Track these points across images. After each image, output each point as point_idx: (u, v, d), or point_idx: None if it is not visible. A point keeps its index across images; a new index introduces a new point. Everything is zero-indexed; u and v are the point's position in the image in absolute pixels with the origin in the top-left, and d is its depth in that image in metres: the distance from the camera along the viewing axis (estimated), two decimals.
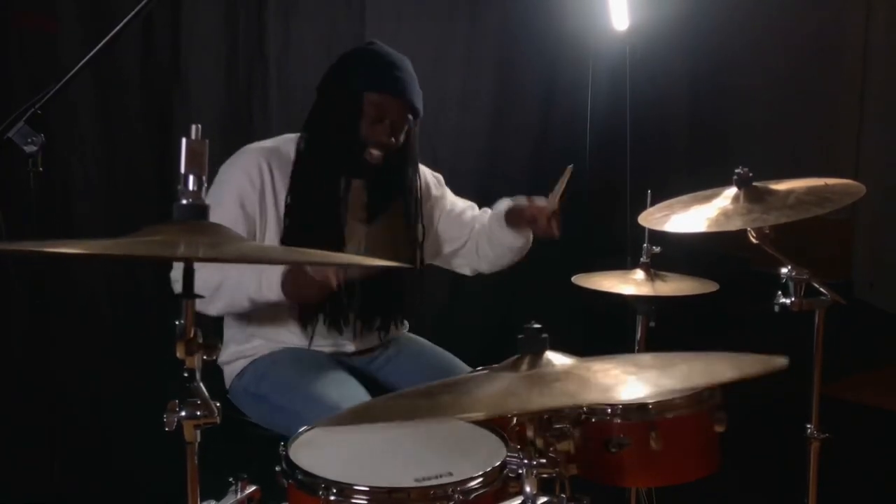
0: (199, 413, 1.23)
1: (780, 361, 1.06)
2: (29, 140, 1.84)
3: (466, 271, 2.50)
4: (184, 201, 1.10)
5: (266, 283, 1.99)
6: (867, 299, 5.06)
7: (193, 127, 1.11)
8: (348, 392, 1.99)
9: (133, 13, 1.88)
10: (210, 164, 1.20)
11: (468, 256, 2.44)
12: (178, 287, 1.83)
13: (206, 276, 1.91)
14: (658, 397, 1.68)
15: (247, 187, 2.10)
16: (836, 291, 1.99)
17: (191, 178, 1.09)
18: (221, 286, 2.01)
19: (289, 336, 2.17)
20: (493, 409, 1.19)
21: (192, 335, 1.11)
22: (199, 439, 1.27)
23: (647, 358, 1.28)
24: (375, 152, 2.11)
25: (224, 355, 2.21)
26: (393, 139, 2.12)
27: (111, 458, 2.74)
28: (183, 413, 1.23)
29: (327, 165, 2.12)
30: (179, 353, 1.12)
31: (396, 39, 2.31)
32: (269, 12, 3.14)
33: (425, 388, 1.27)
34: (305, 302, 2.05)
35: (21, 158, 1.87)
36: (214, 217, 1.65)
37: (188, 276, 1.12)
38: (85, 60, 1.90)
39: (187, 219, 1.09)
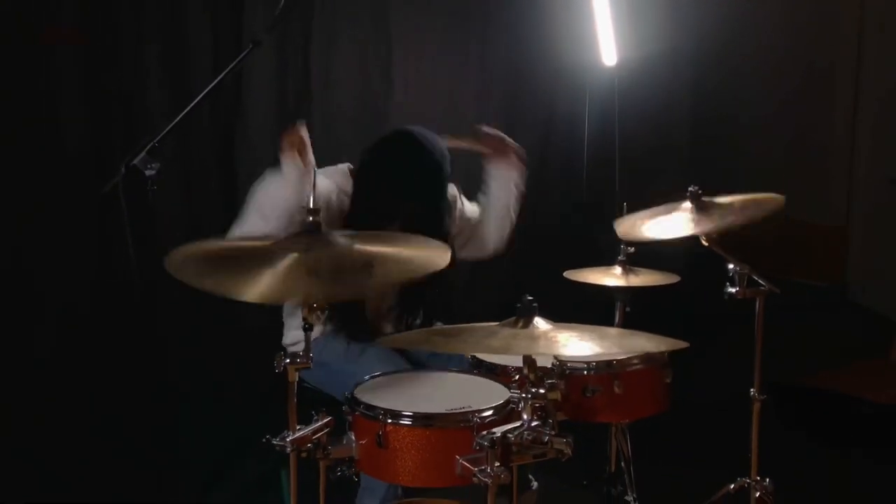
0: (298, 360, 1.76)
1: (682, 344, 1.70)
2: (149, 166, 2.37)
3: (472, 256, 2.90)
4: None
5: None
6: (861, 301, 5.14)
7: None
8: (396, 360, 2.47)
9: (228, 69, 2.44)
10: None
11: (472, 249, 2.86)
12: None
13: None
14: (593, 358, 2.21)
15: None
16: (787, 286, 2.44)
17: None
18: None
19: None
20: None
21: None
22: (297, 379, 1.77)
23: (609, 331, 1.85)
24: None
25: (288, 338, 2.66)
26: None
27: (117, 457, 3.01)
28: (287, 360, 1.76)
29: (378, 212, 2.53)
30: (304, 314, 1.68)
31: (418, 75, 2.68)
32: (313, 54, 3.63)
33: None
34: None
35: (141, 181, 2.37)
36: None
37: None
38: (186, 111, 2.43)
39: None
